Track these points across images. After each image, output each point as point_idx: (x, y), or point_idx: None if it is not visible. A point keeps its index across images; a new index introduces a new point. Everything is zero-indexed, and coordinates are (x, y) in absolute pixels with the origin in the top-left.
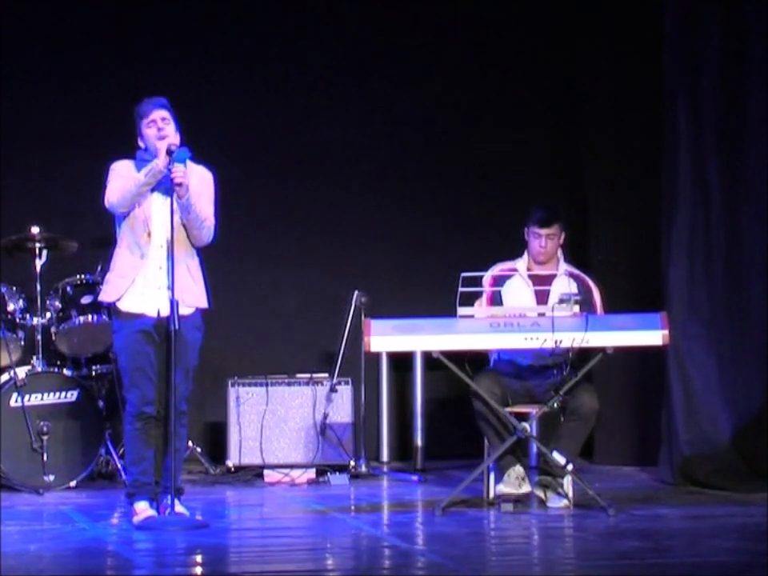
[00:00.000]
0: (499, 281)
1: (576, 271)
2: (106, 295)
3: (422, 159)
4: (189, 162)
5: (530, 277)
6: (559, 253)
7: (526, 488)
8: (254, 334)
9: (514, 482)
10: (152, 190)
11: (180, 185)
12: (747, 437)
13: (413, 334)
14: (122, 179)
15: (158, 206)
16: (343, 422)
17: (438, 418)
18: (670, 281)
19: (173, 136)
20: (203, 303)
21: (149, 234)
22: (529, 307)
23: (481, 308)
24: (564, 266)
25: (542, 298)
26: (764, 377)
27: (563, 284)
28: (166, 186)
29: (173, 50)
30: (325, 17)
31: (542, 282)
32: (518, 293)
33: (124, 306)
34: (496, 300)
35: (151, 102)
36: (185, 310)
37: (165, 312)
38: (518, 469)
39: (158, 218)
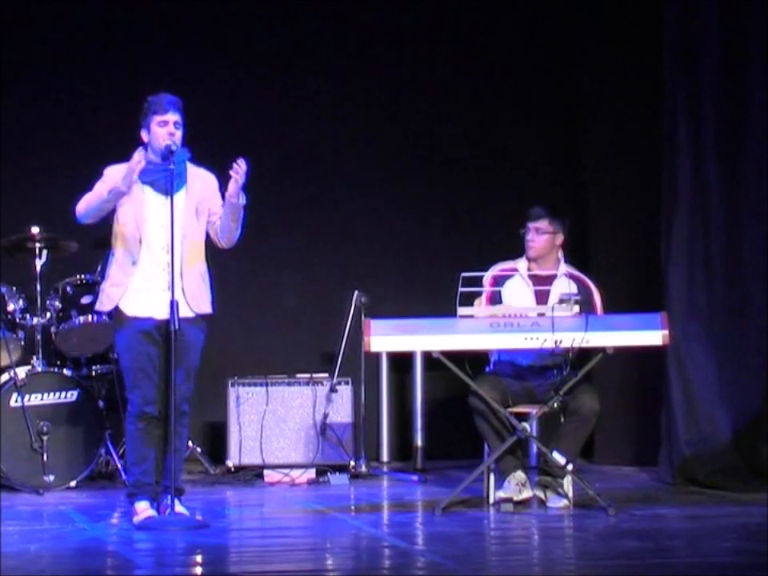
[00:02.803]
0: (499, 281)
1: (577, 273)
2: (101, 305)
3: (423, 159)
4: (190, 165)
5: (531, 277)
6: (560, 254)
7: (526, 493)
8: (254, 334)
9: (514, 488)
10: (153, 188)
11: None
12: (747, 437)
13: (413, 334)
14: (100, 187)
15: (157, 206)
16: (343, 422)
17: (438, 417)
18: (670, 281)
19: (178, 140)
20: (210, 310)
21: (140, 241)
22: (529, 307)
23: (480, 307)
24: (564, 267)
25: (541, 298)
26: (764, 377)
27: (563, 285)
28: (166, 185)
29: (173, 50)
30: (325, 16)
31: (542, 283)
32: (518, 293)
33: (128, 309)
34: (496, 300)
35: (168, 101)
36: (192, 314)
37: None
38: (519, 475)
39: (157, 219)
